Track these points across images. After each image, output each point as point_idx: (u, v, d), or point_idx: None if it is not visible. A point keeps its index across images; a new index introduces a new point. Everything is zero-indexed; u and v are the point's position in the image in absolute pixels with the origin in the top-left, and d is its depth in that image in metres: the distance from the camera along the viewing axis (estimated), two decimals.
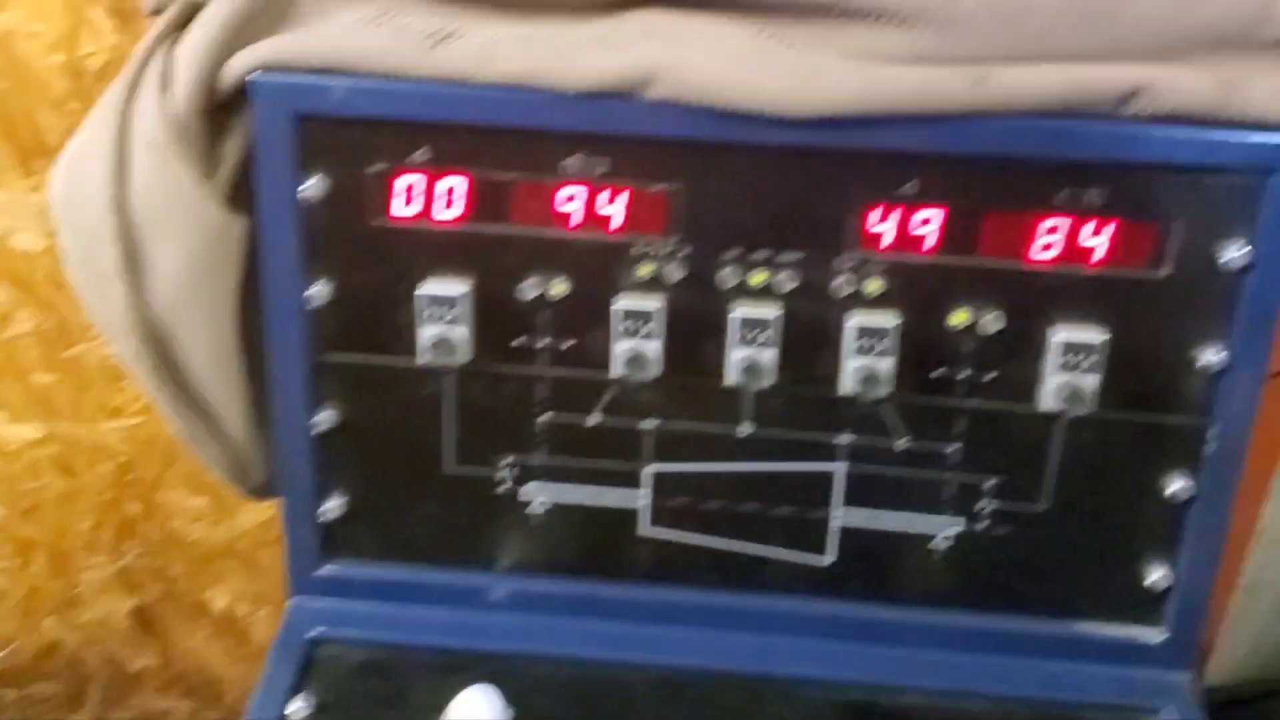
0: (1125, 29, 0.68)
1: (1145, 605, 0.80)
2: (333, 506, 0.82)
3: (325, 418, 0.80)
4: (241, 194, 0.76)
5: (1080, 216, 0.71)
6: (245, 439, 0.82)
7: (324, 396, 0.80)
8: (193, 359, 0.78)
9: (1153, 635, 0.80)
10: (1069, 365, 0.73)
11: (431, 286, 0.75)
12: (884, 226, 0.73)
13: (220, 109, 0.75)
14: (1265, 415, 1.25)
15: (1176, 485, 0.76)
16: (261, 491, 0.87)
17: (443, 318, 0.75)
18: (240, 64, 0.71)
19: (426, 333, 0.76)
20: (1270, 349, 0.73)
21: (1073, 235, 0.71)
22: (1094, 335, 0.73)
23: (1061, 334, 0.73)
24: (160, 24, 0.74)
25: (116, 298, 0.73)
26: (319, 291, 0.76)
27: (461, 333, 0.76)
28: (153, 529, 1.42)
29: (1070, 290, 0.73)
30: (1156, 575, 0.79)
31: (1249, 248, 0.70)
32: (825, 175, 0.72)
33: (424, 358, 0.76)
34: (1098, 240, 0.71)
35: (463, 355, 0.76)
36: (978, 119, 0.68)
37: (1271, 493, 1.45)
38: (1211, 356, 0.73)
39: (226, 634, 1.36)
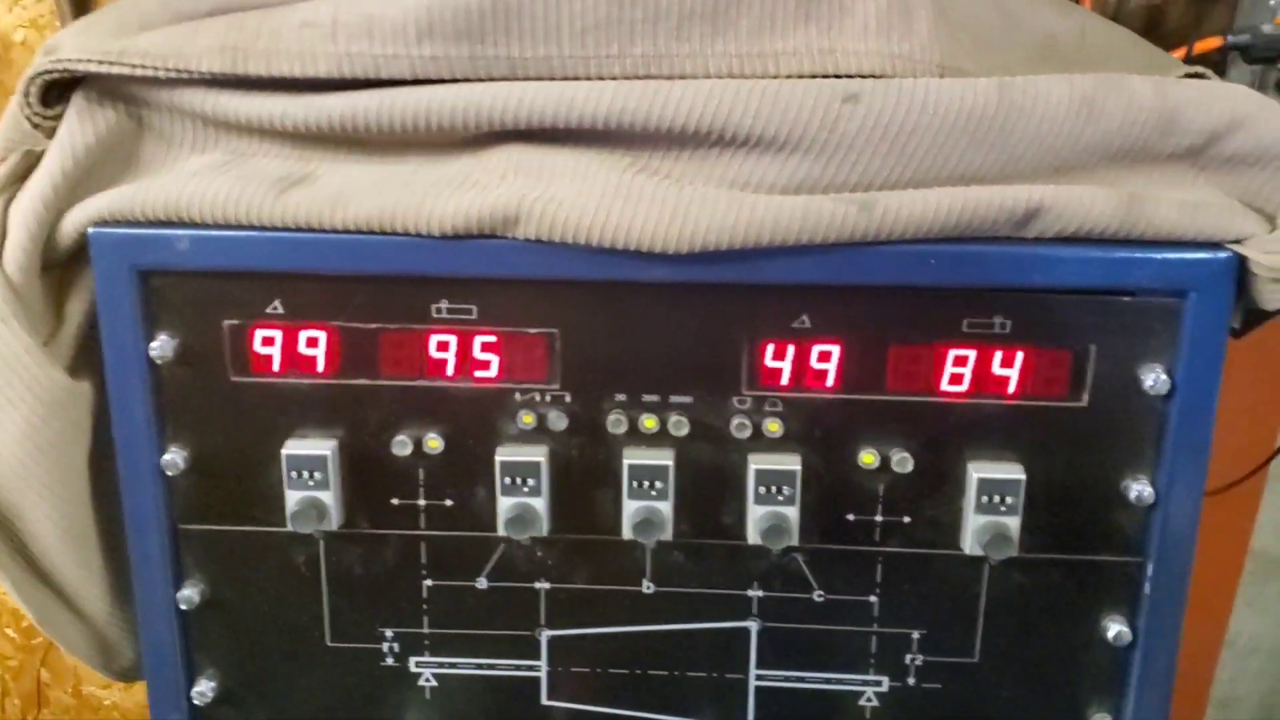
0: (1021, 146, 0.63)
1: None
2: (205, 689, 0.75)
3: (190, 593, 0.73)
4: (89, 355, 0.70)
5: (987, 346, 0.66)
6: (106, 619, 0.76)
7: (188, 570, 0.73)
8: (42, 536, 0.71)
9: None
10: (990, 505, 0.67)
11: (296, 446, 0.69)
12: (780, 363, 0.67)
13: (65, 265, 0.70)
14: (1224, 523, 1.21)
15: (1115, 629, 0.69)
16: (130, 673, 0.79)
17: (310, 479, 0.69)
18: (76, 218, 0.66)
19: (294, 496, 0.69)
20: (1204, 478, 0.67)
21: (982, 366, 0.66)
22: (1014, 471, 0.67)
23: (979, 471, 0.67)
24: None
25: None
26: (175, 457, 0.70)
27: (331, 495, 0.69)
28: (63, 695, 1.34)
29: (985, 424, 0.68)
30: None
31: (1170, 372, 0.65)
32: (713, 312, 0.67)
33: (292, 524, 0.69)
34: (1009, 370, 0.66)
35: (334, 519, 0.70)
36: (868, 248, 0.63)
37: (1237, 602, 1.39)
38: (1141, 490, 0.67)
39: None
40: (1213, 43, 0.90)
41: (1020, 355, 0.66)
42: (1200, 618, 1.30)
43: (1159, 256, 0.63)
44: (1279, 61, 0.90)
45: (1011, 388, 0.66)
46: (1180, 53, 0.87)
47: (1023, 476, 0.67)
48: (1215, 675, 1.41)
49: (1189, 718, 1.38)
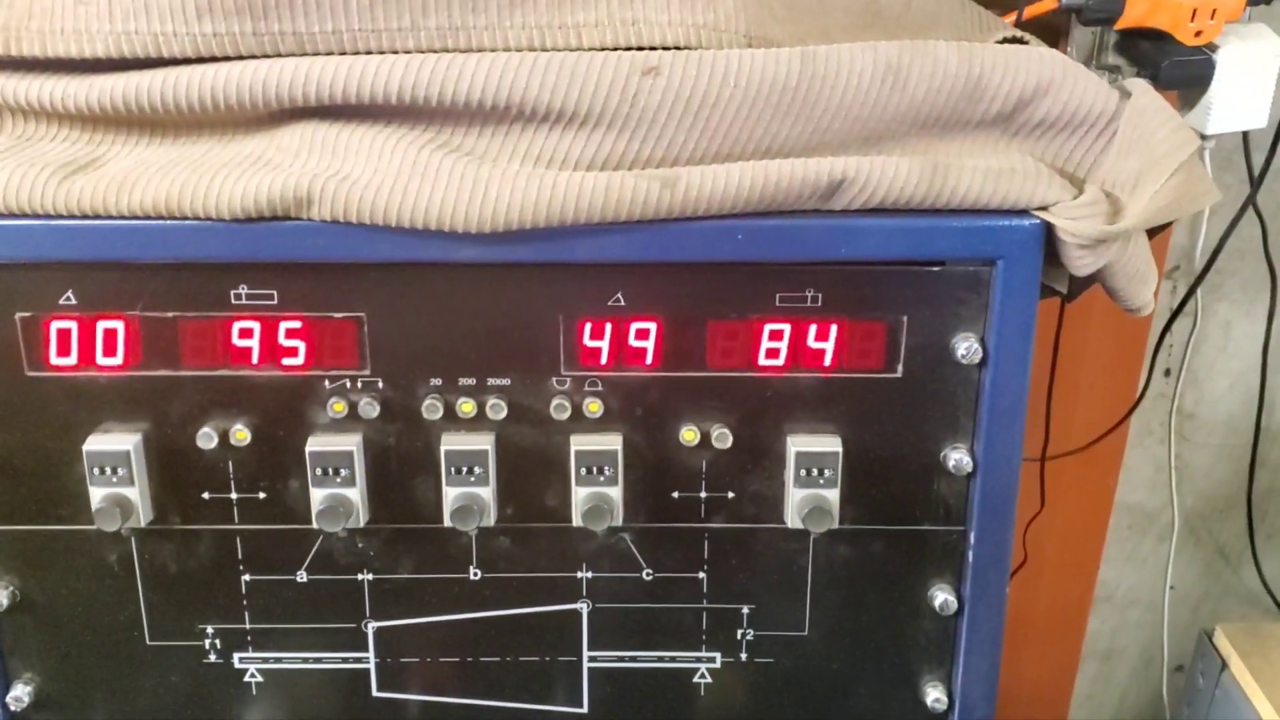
0: (827, 117, 0.62)
1: None
2: (21, 693, 0.72)
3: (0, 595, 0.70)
4: None
5: (802, 319, 0.65)
6: None
7: None
8: None
9: None
10: (809, 478, 0.67)
11: (97, 442, 0.66)
12: (598, 343, 0.66)
13: None
14: (1091, 479, 1.22)
15: (942, 598, 0.70)
16: None
17: (114, 475, 0.67)
18: None
19: (98, 493, 0.67)
20: (1020, 445, 0.67)
21: (797, 339, 0.65)
22: (832, 444, 0.67)
23: (798, 445, 0.67)
24: None
25: None
26: None
27: (137, 490, 0.67)
28: None
29: (803, 397, 0.67)
30: (934, 695, 0.72)
31: (982, 340, 0.65)
32: (527, 291, 0.65)
33: (97, 521, 0.67)
34: (824, 343, 0.65)
35: (142, 515, 0.68)
36: (675, 224, 0.62)
37: (1114, 556, 1.42)
38: (960, 458, 0.67)
39: None
40: (1048, 4, 0.90)
41: (834, 328, 0.65)
42: (1071, 572, 1.33)
43: (965, 225, 0.63)
44: (1116, 23, 0.90)
45: (828, 360, 0.66)
46: (1012, 16, 0.87)
47: (840, 449, 0.66)
48: (1099, 628, 1.44)
49: (1064, 669, 1.41)
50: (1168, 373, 1.25)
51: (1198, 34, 0.78)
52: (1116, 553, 1.40)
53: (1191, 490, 1.33)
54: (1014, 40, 0.72)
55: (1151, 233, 0.68)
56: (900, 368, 0.66)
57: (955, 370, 0.65)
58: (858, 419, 0.67)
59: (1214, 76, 0.80)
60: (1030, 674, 1.35)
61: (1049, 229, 0.63)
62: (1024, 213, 0.63)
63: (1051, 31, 0.90)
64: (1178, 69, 0.79)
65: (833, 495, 0.67)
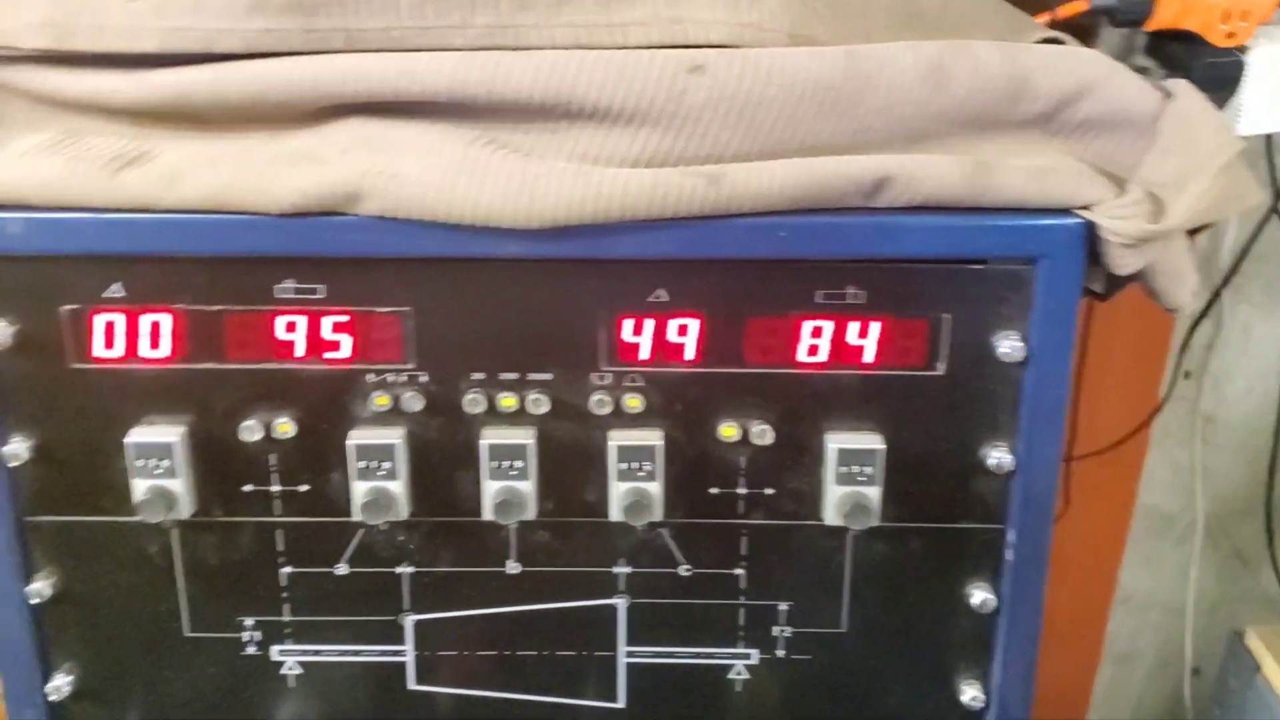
0: (870, 116, 0.63)
1: None
2: (61, 683, 0.73)
3: (41, 585, 0.71)
4: None
5: (843, 316, 0.65)
6: None
7: (38, 563, 0.71)
8: None
9: None
10: (849, 475, 0.67)
11: (141, 434, 0.67)
12: (638, 338, 0.66)
13: None
14: (1112, 481, 1.23)
15: (980, 596, 0.70)
16: None
17: (157, 467, 0.67)
18: None
19: (140, 485, 0.67)
20: (1061, 444, 0.67)
21: (839, 336, 0.66)
22: (873, 441, 0.67)
23: (837, 442, 0.67)
24: None
25: None
26: (17, 448, 0.67)
27: (180, 483, 0.67)
28: None
29: (844, 395, 0.67)
30: (971, 694, 0.72)
31: (1024, 339, 0.65)
32: (569, 287, 0.66)
33: (140, 513, 0.67)
34: (865, 340, 0.66)
35: (185, 508, 0.68)
36: (719, 221, 0.62)
37: (1132, 559, 1.42)
38: (1000, 457, 0.67)
39: None
40: (1079, 6, 0.90)
41: (876, 325, 0.66)
42: (1092, 575, 1.33)
43: (1008, 223, 0.63)
44: (1146, 25, 0.90)
45: (868, 358, 0.66)
46: (1045, 17, 0.87)
47: (881, 446, 0.67)
48: (1116, 631, 1.44)
49: (1084, 671, 1.41)
50: (1187, 375, 1.26)
51: (1229, 35, 0.79)
52: (1135, 555, 1.40)
53: (1210, 493, 1.33)
54: (1051, 41, 0.73)
55: (1190, 234, 0.68)
56: (942, 366, 0.66)
57: (997, 369, 0.66)
58: (898, 416, 0.67)
59: (1244, 78, 0.80)
60: (1049, 675, 1.35)
61: (1091, 228, 0.63)
62: (1066, 212, 0.64)
63: (1080, 33, 0.90)
64: (1208, 71, 0.80)
65: (873, 493, 0.67)
